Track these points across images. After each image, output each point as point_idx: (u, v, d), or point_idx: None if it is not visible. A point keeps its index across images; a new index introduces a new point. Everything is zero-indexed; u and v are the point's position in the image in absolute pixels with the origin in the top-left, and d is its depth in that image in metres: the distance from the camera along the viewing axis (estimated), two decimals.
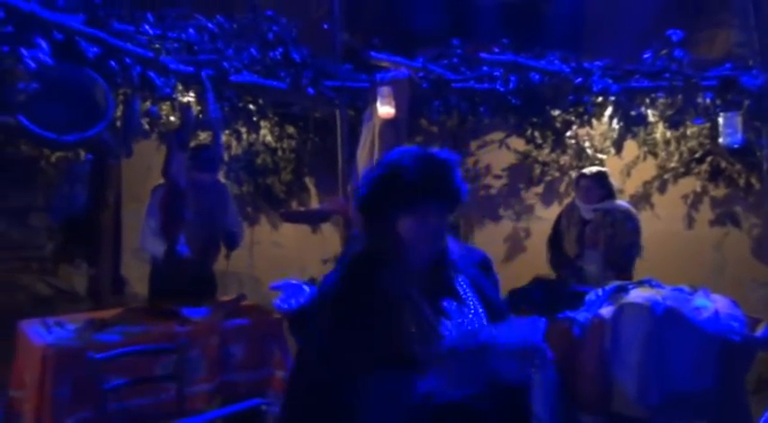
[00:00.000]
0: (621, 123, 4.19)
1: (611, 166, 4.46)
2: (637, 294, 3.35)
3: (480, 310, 1.68)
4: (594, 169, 3.88)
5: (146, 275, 4.33)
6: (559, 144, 4.53)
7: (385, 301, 1.59)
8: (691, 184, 4.64)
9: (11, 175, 5.47)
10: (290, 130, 4.86)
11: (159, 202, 3.69)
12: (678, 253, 4.52)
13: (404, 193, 1.61)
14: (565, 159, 4.68)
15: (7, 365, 3.55)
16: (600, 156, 4.49)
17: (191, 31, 3.53)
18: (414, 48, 4.77)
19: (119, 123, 3.42)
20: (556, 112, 4.27)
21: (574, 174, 4.69)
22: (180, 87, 3.62)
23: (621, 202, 4.06)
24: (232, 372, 3.58)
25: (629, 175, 4.61)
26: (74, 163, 4.22)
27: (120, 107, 3.44)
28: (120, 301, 5.82)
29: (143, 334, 3.40)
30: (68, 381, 3.10)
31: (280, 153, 4.99)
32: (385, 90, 3.76)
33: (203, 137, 4.18)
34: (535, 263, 4.13)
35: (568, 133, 4.41)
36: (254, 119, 4.43)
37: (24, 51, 2.56)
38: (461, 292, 1.68)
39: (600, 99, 3.98)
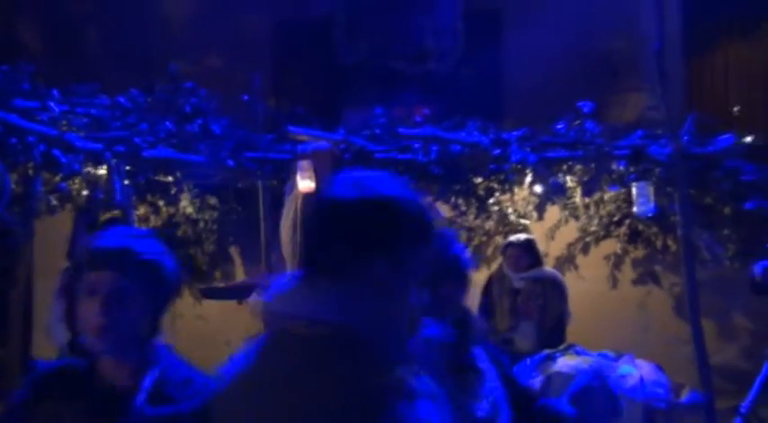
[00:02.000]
0: (542, 189, 4.28)
1: (535, 230, 4.53)
2: (564, 363, 3.34)
3: (498, 383, 1.75)
4: (522, 237, 3.91)
5: (58, 356, 4.05)
6: (483, 210, 4.58)
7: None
8: (612, 245, 4.76)
9: None
10: (212, 200, 4.74)
11: (65, 287, 3.48)
12: (604, 312, 4.59)
13: None
14: (489, 225, 4.73)
15: None
16: (523, 221, 4.55)
17: (100, 107, 3.42)
18: (338, 114, 4.79)
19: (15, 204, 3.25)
20: (478, 180, 4.33)
21: (499, 238, 4.73)
22: (90, 163, 3.48)
23: (548, 268, 4.13)
24: None
25: (552, 238, 4.69)
26: None
27: (23, 185, 3.27)
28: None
29: None
30: None
31: (201, 224, 4.85)
32: (304, 164, 3.72)
33: (115, 213, 4.02)
34: None
35: (491, 200, 4.47)
36: (172, 191, 4.30)
37: None
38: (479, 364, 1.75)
39: (519, 166, 4.07)
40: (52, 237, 4.22)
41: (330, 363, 1.07)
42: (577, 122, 4.10)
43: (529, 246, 3.86)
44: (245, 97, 4.05)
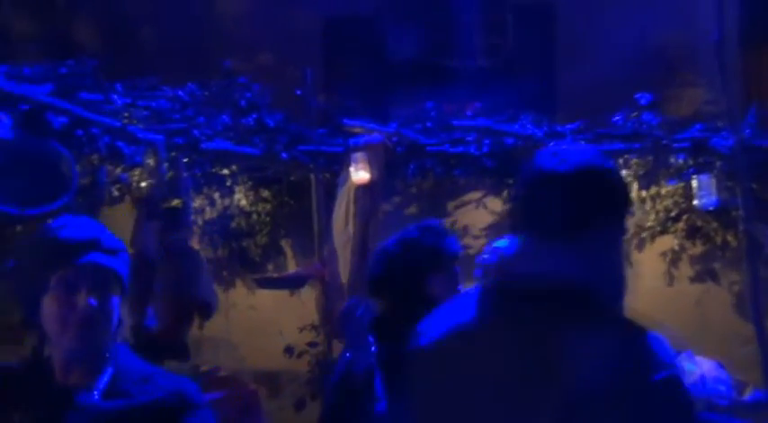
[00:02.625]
0: None
1: None
2: None
3: None
4: None
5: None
6: None
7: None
8: (669, 241, 4.63)
9: None
10: (265, 193, 4.82)
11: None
12: (661, 310, 4.47)
13: (426, 260, 1.93)
14: None
15: None
16: None
17: (162, 99, 3.51)
18: (388, 110, 4.81)
19: (80, 195, 3.36)
20: None
21: None
22: (151, 155, 3.57)
23: None
24: None
25: None
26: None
27: (88, 176, 3.38)
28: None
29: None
30: None
31: (255, 217, 4.93)
32: (358, 156, 3.75)
33: (176, 202, 4.12)
34: None
35: None
36: (228, 184, 4.38)
37: None
38: None
39: None
40: (111, 227, 4.36)
41: (569, 314, 1.21)
42: (635, 114, 4.01)
43: None
44: (299, 92, 4.10)
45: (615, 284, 1.28)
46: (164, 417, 1.40)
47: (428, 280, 1.90)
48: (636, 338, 1.19)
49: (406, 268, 1.93)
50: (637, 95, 4.07)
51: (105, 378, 1.43)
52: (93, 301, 1.40)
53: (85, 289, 1.40)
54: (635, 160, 4.12)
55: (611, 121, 4.10)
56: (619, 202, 1.31)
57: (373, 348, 1.72)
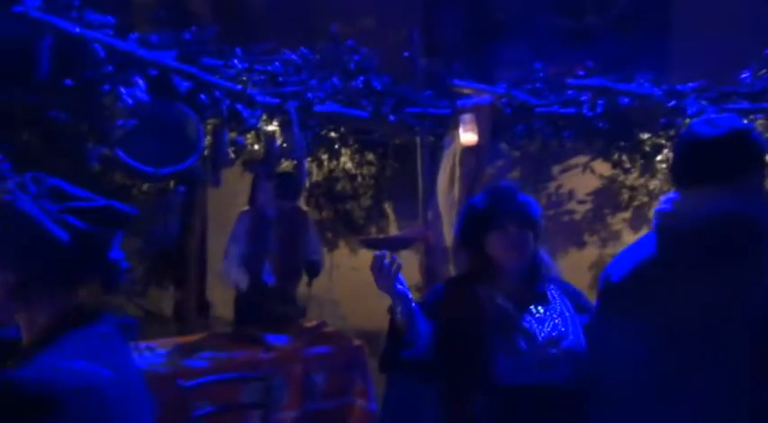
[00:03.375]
0: None
1: None
2: None
3: (568, 314, 2.01)
4: None
5: (229, 299, 4.42)
6: (649, 168, 4.35)
7: (476, 307, 1.98)
8: None
9: None
10: (370, 156, 4.89)
11: (245, 231, 3.77)
12: None
13: (482, 220, 2.04)
14: (654, 184, 4.50)
15: None
16: None
17: (276, 63, 3.62)
18: (493, 72, 4.73)
19: (206, 153, 3.53)
20: (645, 136, 4.11)
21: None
22: (264, 118, 3.71)
23: None
24: (314, 400, 3.58)
25: None
26: (168, 193, 4.38)
27: (209, 138, 3.54)
28: (205, 325, 5.98)
29: (228, 360, 3.46)
30: (158, 407, 3.18)
31: (359, 179, 5.03)
32: (467, 117, 3.73)
33: (285, 165, 4.26)
34: None
35: (659, 157, 4.24)
36: (336, 146, 4.48)
37: (123, 89, 2.68)
38: (550, 298, 2.03)
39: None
40: (223, 188, 4.58)
41: (743, 246, 1.51)
42: (764, 71, 3.76)
43: None
44: (406, 54, 4.11)
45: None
46: None
47: (485, 238, 2.01)
48: None
49: (465, 228, 2.08)
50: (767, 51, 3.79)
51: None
52: None
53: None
54: (761, 121, 3.87)
55: (737, 79, 3.85)
56: (760, 154, 1.61)
57: (407, 295, 1.86)
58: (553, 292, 2.05)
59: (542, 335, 1.93)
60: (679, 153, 1.69)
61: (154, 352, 3.53)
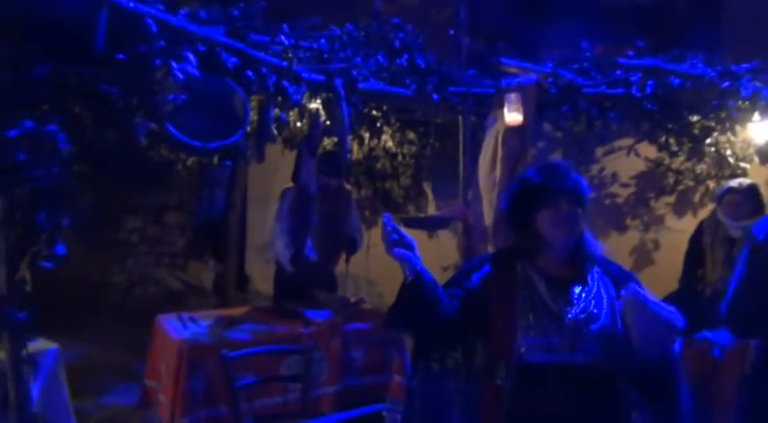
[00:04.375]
0: None
1: (755, 175, 4.13)
2: None
3: (605, 296, 1.98)
4: (746, 183, 3.58)
5: (268, 274, 4.48)
6: (696, 152, 4.25)
7: (509, 283, 1.97)
8: None
9: (150, 176, 5.86)
10: (411, 135, 4.88)
11: (289, 207, 3.81)
12: None
13: (533, 195, 2.00)
14: (702, 168, 4.39)
15: (143, 355, 3.81)
16: (742, 164, 4.17)
17: (322, 40, 3.61)
18: (539, 51, 4.65)
19: (250, 129, 3.56)
20: (694, 118, 4.00)
21: (711, 183, 4.39)
22: (307, 95, 3.71)
23: None
24: (353, 375, 3.63)
25: None
26: (214, 168, 4.45)
27: (254, 114, 3.56)
28: (244, 298, 6.10)
29: (269, 333, 3.52)
30: (202, 376, 3.26)
31: (400, 158, 5.03)
32: (513, 96, 3.68)
33: (327, 142, 4.27)
34: (664, 277, 3.90)
35: (708, 140, 4.13)
36: (378, 124, 4.48)
37: (174, 64, 2.71)
38: (590, 279, 2.00)
39: (746, 104, 3.68)
40: (264, 164, 4.62)
41: None
42: None
43: (752, 192, 3.53)
44: (452, 32, 4.06)
45: None
46: None
47: (535, 214, 2.00)
48: None
49: (514, 203, 2.07)
50: None
51: None
52: None
53: None
54: None
55: None
56: None
57: (409, 258, 1.86)
58: (595, 273, 2.04)
59: (570, 315, 1.93)
60: None
61: (197, 323, 3.61)
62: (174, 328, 3.54)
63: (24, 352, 2.44)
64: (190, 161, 4.80)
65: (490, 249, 4.00)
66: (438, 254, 5.06)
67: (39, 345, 3.02)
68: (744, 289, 2.44)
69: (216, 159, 4.42)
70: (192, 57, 2.76)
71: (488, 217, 4.20)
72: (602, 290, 2.00)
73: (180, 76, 2.66)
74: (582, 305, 1.95)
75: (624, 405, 1.93)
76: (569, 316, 1.92)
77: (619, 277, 2.06)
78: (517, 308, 1.94)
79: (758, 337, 2.56)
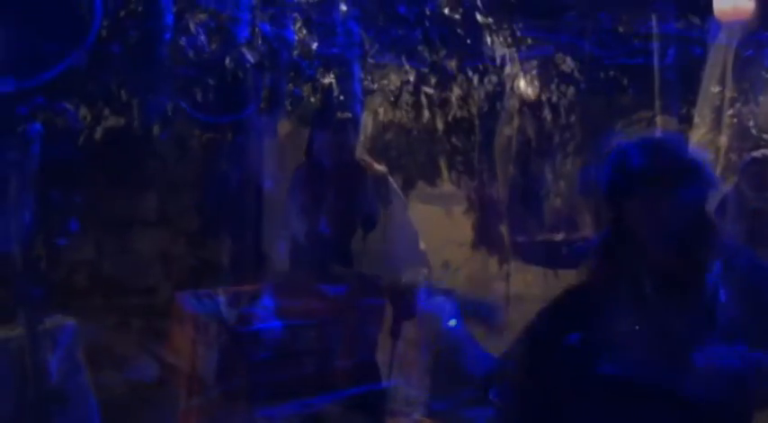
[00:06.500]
0: None
1: None
2: None
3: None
4: None
5: (284, 251, 4.48)
6: (717, 123, 4.16)
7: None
8: None
9: (165, 153, 5.86)
10: (425, 111, 4.80)
11: (302, 182, 3.78)
12: None
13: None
14: (722, 140, 4.30)
15: (162, 332, 3.84)
16: (766, 136, 4.08)
17: (336, 14, 3.56)
18: (556, 23, 4.54)
19: (263, 105, 3.53)
20: (716, 89, 3.91)
21: (732, 156, 4.30)
22: (321, 69, 3.68)
23: None
24: (368, 351, 3.64)
25: None
26: (226, 144, 4.44)
27: (266, 89, 3.54)
28: (261, 275, 6.11)
29: (285, 309, 3.54)
30: (218, 352, 3.29)
31: (414, 133, 4.97)
32: (529, 69, 3.61)
33: (340, 117, 4.22)
34: None
35: (729, 112, 4.04)
36: (391, 99, 4.42)
37: (184, 39, 2.68)
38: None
39: None
40: (278, 140, 4.60)
41: None
42: None
43: None
44: (466, 4, 3.98)
45: None
46: None
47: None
48: None
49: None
50: None
51: None
52: None
53: None
54: None
55: None
56: None
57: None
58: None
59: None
60: None
61: (213, 299, 3.63)
62: (191, 305, 3.57)
63: (41, 327, 2.47)
64: (204, 138, 4.79)
65: (505, 228, 3.97)
66: (452, 229, 5.03)
67: (56, 320, 3.05)
68: None
69: (230, 136, 4.40)
70: (202, 31, 2.73)
71: (503, 195, 4.17)
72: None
73: (190, 50, 2.63)
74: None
75: None
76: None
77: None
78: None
79: None
